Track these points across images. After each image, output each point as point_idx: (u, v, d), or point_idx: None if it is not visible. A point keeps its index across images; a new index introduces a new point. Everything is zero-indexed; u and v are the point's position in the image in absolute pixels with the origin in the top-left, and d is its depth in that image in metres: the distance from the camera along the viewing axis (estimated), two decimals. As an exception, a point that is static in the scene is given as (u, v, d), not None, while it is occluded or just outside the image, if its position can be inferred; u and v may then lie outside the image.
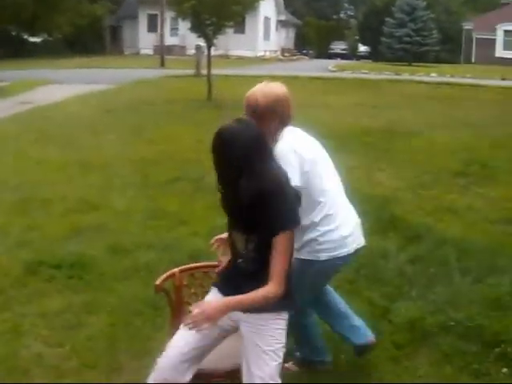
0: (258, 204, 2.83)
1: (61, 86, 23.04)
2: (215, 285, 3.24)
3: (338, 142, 10.75)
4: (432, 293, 5.05)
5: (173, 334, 3.17)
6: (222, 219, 6.67)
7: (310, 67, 31.25)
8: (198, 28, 17.23)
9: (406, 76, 26.71)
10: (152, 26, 46.20)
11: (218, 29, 17.03)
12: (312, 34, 64.30)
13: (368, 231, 6.35)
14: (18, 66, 31.51)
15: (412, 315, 4.66)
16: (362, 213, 6.81)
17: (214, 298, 3.12)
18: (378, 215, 6.81)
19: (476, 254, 5.81)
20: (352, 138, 11.16)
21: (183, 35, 38.28)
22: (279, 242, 2.84)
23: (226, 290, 3.07)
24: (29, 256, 6.05)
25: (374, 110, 14.82)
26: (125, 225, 6.94)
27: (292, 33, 61.36)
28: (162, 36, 36.51)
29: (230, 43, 38.61)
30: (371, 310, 4.78)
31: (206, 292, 3.33)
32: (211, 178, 8.94)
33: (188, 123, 13.22)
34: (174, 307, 3.59)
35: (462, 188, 8.30)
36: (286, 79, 22.32)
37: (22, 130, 13.49)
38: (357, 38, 67.00)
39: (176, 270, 3.56)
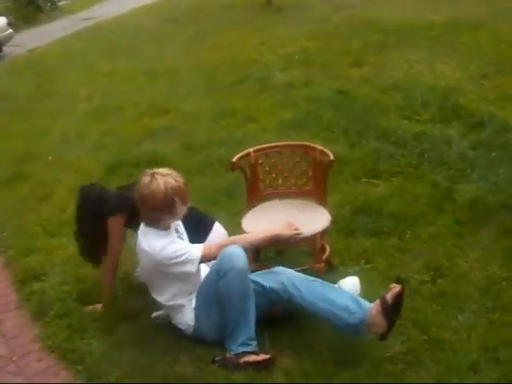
0: None
1: (119, 0, 23.12)
2: None
3: (400, 36, 10.67)
4: (494, 175, 5.19)
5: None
6: (289, 114, 6.97)
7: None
8: None
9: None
10: None
11: None
12: None
13: (431, 119, 6.55)
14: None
15: (474, 195, 4.85)
16: (425, 102, 6.98)
17: None
18: (440, 104, 6.88)
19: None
20: (415, 32, 10.98)
21: None
22: None
23: None
24: (108, 157, 6.48)
25: (436, 4, 14.38)
26: (195, 125, 7.25)
27: None
28: None
29: None
30: (434, 192, 5.01)
31: (279, 170, 3.59)
32: (276, 77, 9.07)
33: (248, 28, 13.17)
34: (250, 183, 3.91)
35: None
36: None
37: (87, 45, 13.84)
38: None
39: (251, 149, 3.85)
